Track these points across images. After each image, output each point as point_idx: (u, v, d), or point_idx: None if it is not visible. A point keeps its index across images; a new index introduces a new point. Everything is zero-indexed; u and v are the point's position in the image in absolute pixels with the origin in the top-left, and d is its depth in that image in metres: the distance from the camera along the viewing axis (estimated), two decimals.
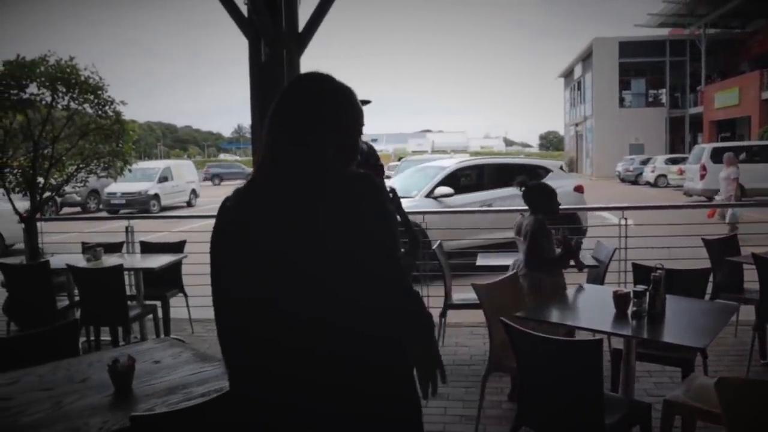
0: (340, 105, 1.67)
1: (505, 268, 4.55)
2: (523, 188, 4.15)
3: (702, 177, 20.46)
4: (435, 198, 9.03)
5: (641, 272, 4.07)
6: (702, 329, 2.99)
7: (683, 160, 26.95)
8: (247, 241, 1.63)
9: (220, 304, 1.72)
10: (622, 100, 41.24)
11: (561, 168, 10.78)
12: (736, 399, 1.99)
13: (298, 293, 1.59)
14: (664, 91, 40.65)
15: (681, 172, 25.57)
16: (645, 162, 31.95)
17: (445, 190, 9.08)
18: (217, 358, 2.68)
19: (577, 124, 48.25)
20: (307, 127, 1.62)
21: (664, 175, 28.91)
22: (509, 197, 8.12)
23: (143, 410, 2.06)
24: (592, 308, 3.49)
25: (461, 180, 9.86)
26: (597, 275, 4.91)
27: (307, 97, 1.66)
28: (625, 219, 6.16)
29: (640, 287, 3.16)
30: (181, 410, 1.91)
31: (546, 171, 10.12)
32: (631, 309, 3.14)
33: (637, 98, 41.55)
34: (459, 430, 3.75)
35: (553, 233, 4.09)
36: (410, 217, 4.14)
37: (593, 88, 41.26)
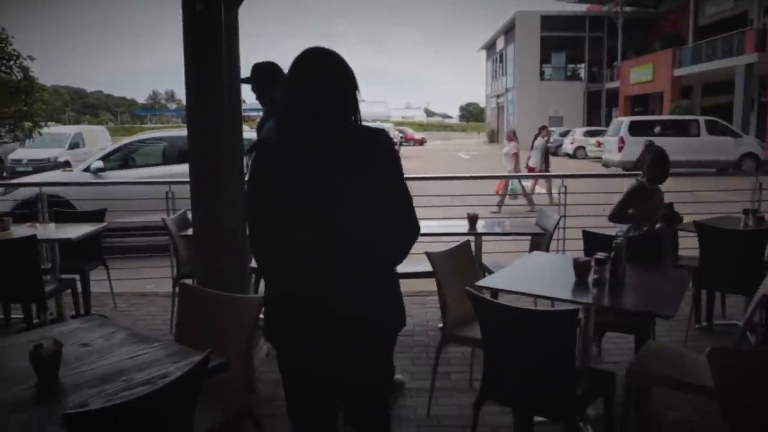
0: (350, 73, 2.04)
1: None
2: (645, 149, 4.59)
3: (620, 149, 21.16)
4: (92, 172, 8.38)
5: (592, 240, 4.01)
6: (665, 296, 2.94)
7: (601, 133, 27.84)
8: (284, 181, 1.98)
9: (257, 232, 2.09)
10: (542, 74, 42.10)
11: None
12: (728, 369, 1.91)
13: (322, 222, 1.96)
14: (582, 65, 41.77)
15: (599, 144, 26.41)
16: (564, 134, 32.80)
17: (98, 164, 8.51)
18: (156, 338, 2.39)
19: (498, 96, 48.98)
20: (332, 89, 1.99)
21: (583, 147, 29.82)
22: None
23: (75, 405, 1.75)
24: (551, 276, 3.37)
25: (136, 154, 9.34)
26: (541, 243, 4.85)
27: (328, 66, 2.02)
28: (565, 187, 6.16)
29: (601, 255, 3.07)
30: (123, 404, 1.60)
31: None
32: (592, 277, 3.05)
33: (557, 72, 42.55)
34: (410, 403, 3.60)
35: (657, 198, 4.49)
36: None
37: (515, 60, 41.90)
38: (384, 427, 2.30)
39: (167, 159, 8.90)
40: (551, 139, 33.24)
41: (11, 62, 6.20)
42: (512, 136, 13.37)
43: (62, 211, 5.61)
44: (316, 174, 1.96)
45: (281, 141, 2.04)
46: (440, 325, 4.70)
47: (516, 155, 12.86)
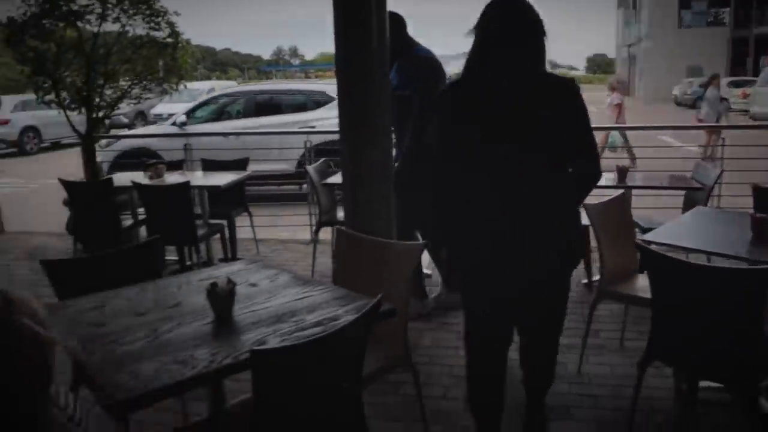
0: (540, 20, 2.10)
1: None
2: None
3: None
4: (177, 125, 8.91)
5: (765, 195, 3.63)
6: None
7: (748, 83, 25.40)
8: (477, 123, 2.10)
9: (440, 162, 2.22)
10: (680, 20, 38.75)
11: None
12: None
13: (513, 162, 2.08)
14: (727, 9, 37.96)
15: (744, 96, 24.15)
16: (705, 85, 30.23)
17: (182, 118, 9.14)
18: (317, 281, 2.41)
19: (630, 45, 45.87)
20: (527, 36, 2.10)
21: (726, 99, 27.32)
22: (282, 125, 8.44)
23: (253, 341, 1.79)
24: (721, 233, 3.07)
25: (225, 108, 9.84)
26: (698, 199, 4.47)
27: (524, 13, 2.09)
28: (723, 140, 5.64)
29: None
30: (307, 343, 1.61)
31: (327, 99, 8.84)
32: None
33: (697, 17, 38.92)
34: (560, 359, 3.46)
35: None
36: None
37: (649, 6, 38.83)
38: (552, 359, 2.59)
39: (246, 113, 9.49)
40: (689, 91, 30.92)
41: (159, 18, 6.41)
42: (616, 86, 12.41)
43: (208, 160, 5.87)
44: (509, 117, 2.07)
45: (473, 86, 2.14)
46: (584, 280, 4.53)
47: (620, 105, 12.02)
